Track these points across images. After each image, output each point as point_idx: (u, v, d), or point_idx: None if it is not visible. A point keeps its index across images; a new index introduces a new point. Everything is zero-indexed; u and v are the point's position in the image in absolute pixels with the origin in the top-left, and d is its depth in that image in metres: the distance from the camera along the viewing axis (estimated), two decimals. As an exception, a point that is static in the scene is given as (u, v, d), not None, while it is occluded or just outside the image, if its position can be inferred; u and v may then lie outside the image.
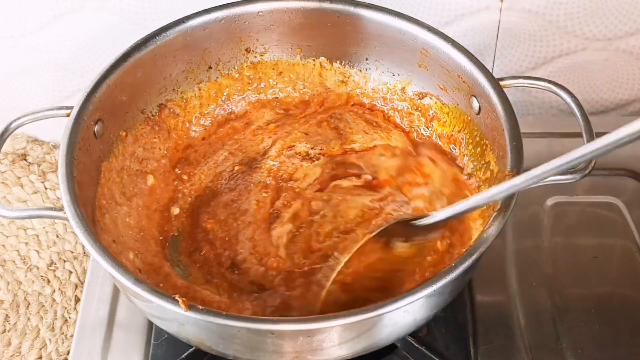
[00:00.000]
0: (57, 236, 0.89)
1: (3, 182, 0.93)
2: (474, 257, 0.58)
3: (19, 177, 0.93)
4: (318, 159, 0.77)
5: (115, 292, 0.78)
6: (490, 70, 0.73)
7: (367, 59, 0.79)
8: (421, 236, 0.65)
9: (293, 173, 0.76)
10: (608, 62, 0.92)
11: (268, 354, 0.59)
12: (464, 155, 0.75)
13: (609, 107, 0.97)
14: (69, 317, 0.83)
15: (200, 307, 0.56)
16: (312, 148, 0.77)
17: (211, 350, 0.62)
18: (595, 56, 0.91)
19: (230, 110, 0.82)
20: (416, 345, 0.72)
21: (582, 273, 0.80)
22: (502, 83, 0.69)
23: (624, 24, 0.88)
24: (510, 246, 0.81)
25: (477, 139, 0.73)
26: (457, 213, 0.61)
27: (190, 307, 0.55)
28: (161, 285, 0.67)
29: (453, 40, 0.72)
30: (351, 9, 0.76)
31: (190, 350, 0.72)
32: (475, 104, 0.72)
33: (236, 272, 0.69)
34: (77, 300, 0.84)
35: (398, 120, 0.80)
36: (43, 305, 0.84)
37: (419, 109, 0.79)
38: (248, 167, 0.77)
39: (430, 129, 0.78)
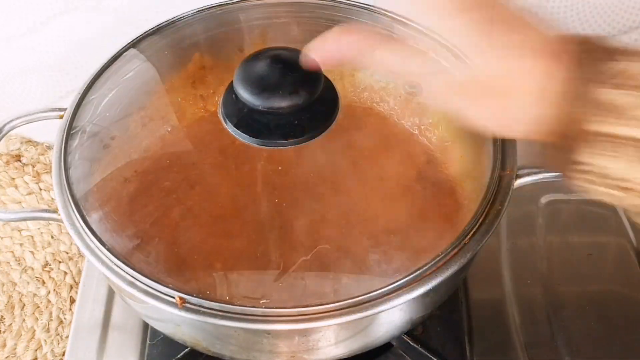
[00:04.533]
0: (52, 237, 0.89)
1: (-3, 184, 0.93)
2: (468, 255, 0.58)
3: (13, 178, 0.93)
4: None
5: (111, 293, 0.78)
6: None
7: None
8: None
9: None
10: (602, 59, 0.92)
11: (264, 353, 0.59)
12: (456, 154, 0.76)
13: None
14: (64, 318, 0.83)
15: (196, 306, 0.56)
16: None
17: (207, 351, 0.62)
18: (589, 54, 0.91)
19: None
20: (412, 343, 0.72)
21: (576, 270, 0.80)
22: (495, 81, 0.69)
23: (618, 22, 0.88)
24: (505, 244, 0.81)
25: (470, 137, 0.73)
26: None
27: (185, 305, 0.55)
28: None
29: (444, 39, 0.72)
30: (345, 8, 0.76)
31: (186, 350, 0.72)
32: (469, 103, 0.72)
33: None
34: (73, 301, 0.84)
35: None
36: (38, 307, 0.84)
37: (411, 106, 0.79)
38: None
39: (422, 127, 0.78)
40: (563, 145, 0.45)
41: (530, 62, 0.45)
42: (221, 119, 0.65)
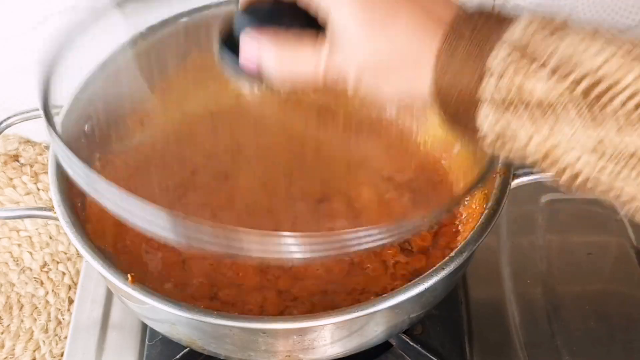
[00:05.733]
0: (50, 237, 0.89)
1: (-5, 184, 0.93)
2: (464, 255, 0.58)
3: (11, 179, 0.93)
4: None
5: (109, 293, 0.78)
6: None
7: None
8: None
9: None
10: (601, 58, 0.92)
11: (260, 352, 0.59)
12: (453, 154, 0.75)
13: (602, 103, 0.97)
14: (63, 319, 0.83)
15: (191, 305, 0.55)
16: None
17: (203, 350, 0.62)
18: (589, 53, 0.91)
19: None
20: (411, 343, 0.72)
21: (576, 270, 0.80)
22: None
23: (617, 22, 0.88)
24: (505, 244, 0.81)
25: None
26: None
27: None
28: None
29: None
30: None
31: (185, 350, 0.71)
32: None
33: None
34: (71, 301, 0.84)
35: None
36: (36, 307, 0.84)
37: (407, 109, 0.79)
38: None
39: (420, 127, 0.78)
40: (460, 110, 0.46)
41: (415, 36, 0.47)
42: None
